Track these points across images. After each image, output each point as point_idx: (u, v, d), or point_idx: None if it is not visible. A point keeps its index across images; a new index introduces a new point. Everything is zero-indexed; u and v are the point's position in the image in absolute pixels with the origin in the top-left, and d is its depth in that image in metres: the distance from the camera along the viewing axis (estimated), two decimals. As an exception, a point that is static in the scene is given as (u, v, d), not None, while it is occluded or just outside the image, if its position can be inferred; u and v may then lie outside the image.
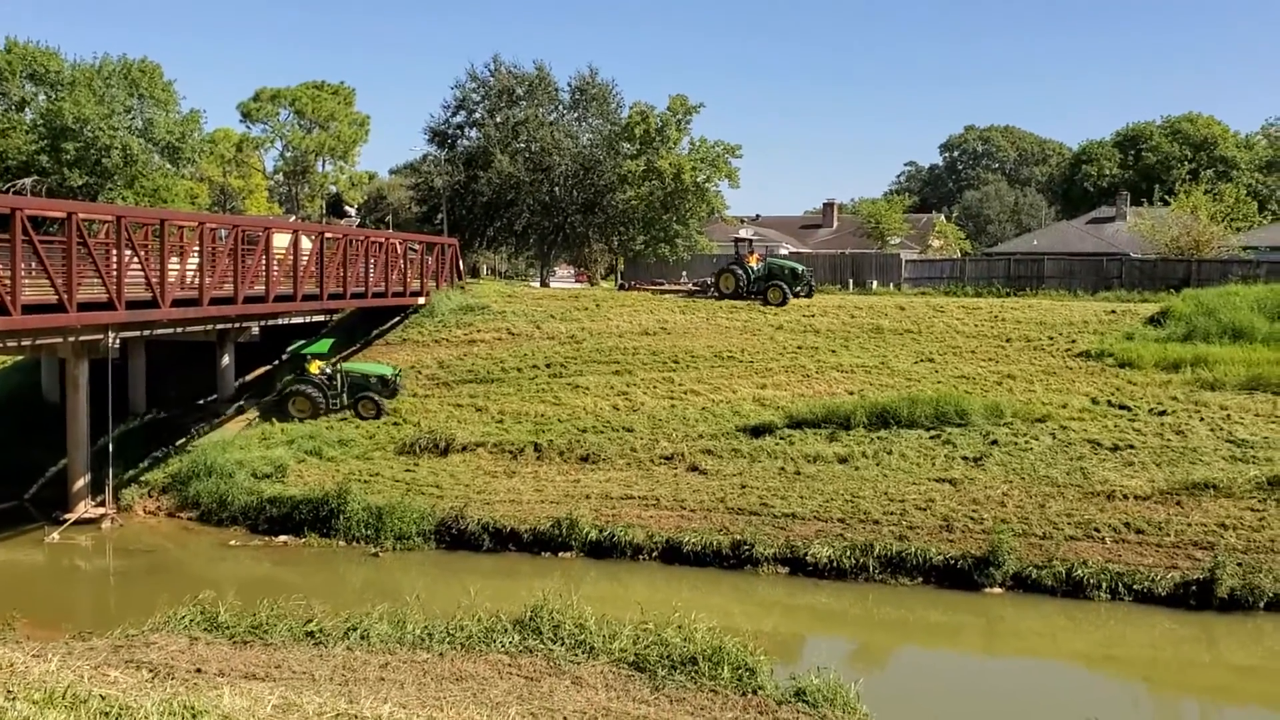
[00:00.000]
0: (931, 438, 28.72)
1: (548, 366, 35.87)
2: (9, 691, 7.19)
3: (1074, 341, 35.53)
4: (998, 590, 22.93)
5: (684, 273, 51.98)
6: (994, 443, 28.14)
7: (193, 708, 6.86)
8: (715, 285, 43.70)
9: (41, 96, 63.83)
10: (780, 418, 30.30)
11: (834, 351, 35.79)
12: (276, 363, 37.07)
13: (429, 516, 26.69)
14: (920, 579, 23.51)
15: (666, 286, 48.25)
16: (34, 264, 23.18)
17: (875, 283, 50.26)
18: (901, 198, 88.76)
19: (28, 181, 57.77)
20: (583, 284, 65.90)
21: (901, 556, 23.76)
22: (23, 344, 25.85)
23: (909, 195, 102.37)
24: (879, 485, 26.63)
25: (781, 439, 29.35)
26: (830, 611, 22.75)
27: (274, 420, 32.97)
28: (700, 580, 23.77)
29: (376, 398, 33.34)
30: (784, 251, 62.09)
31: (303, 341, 35.05)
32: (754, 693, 14.20)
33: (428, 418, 32.84)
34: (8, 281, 21.98)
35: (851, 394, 32.03)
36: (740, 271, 42.76)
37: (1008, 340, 36.25)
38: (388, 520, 26.42)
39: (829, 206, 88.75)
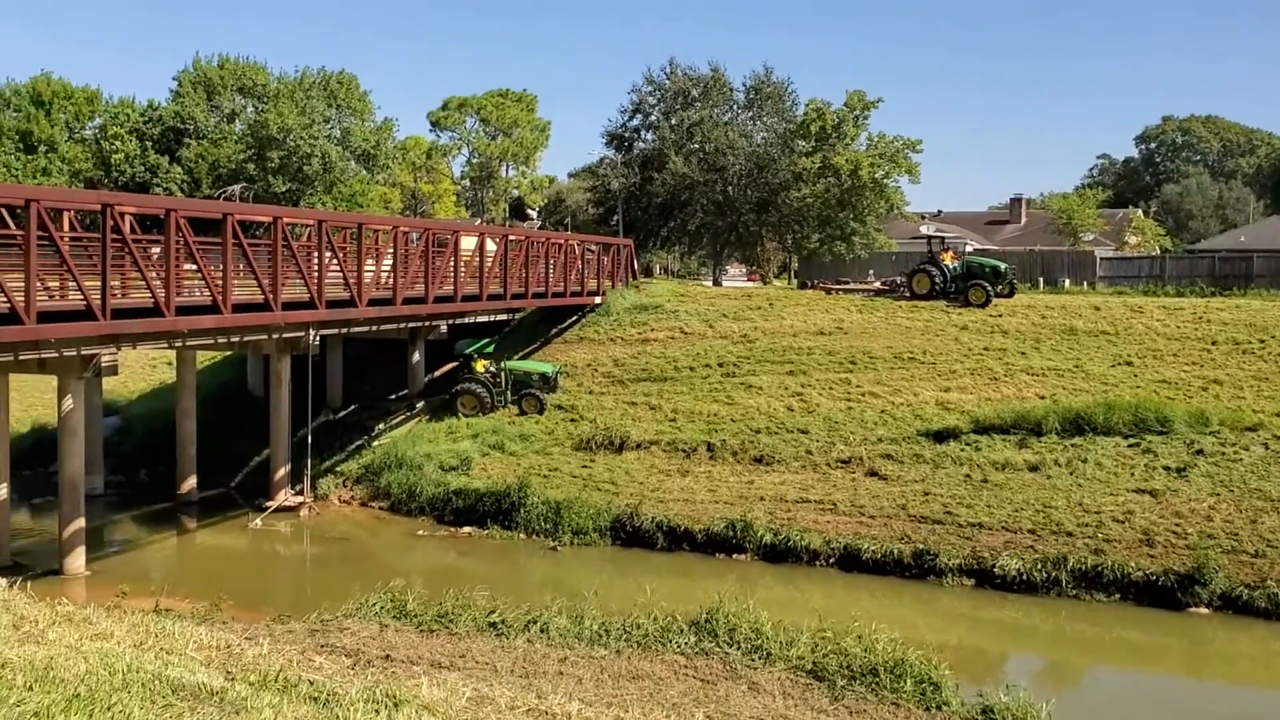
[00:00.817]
0: (1130, 446, 27.39)
1: (721, 365, 35.84)
2: (228, 672, 7.64)
3: (1287, 345, 33.37)
4: (1204, 610, 21.65)
5: (870, 271, 50.56)
6: (1199, 452, 26.65)
7: (394, 696, 7.16)
8: (908, 285, 41.89)
9: (250, 108, 67.67)
10: (965, 422, 29.45)
11: (1023, 353, 34.57)
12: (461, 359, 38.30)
13: (605, 513, 27.06)
14: (1117, 595, 22.39)
15: (852, 285, 46.74)
16: (242, 265, 24.60)
17: (1067, 281, 48.38)
18: (1094, 192, 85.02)
19: (237, 188, 61.34)
20: (754, 283, 65.64)
21: (1097, 571, 22.68)
22: (231, 340, 27.42)
23: (1101, 190, 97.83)
24: (1073, 495, 25.55)
25: (967, 444, 28.52)
26: (1019, 627, 21.94)
27: (459, 415, 33.97)
28: (880, 589, 23.33)
29: (539, 394, 34.14)
30: (969, 249, 60.50)
31: (466, 340, 36.09)
32: (938, 708, 13.83)
33: (603, 415, 33.30)
34: (219, 282, 23.39)
35: (1042, 398, 30.88)
36: (935, 271, 40.90)
37: (1213, 343, 34.29)
38: (566, 515, 26.92)
39: (1016, 202, 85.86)
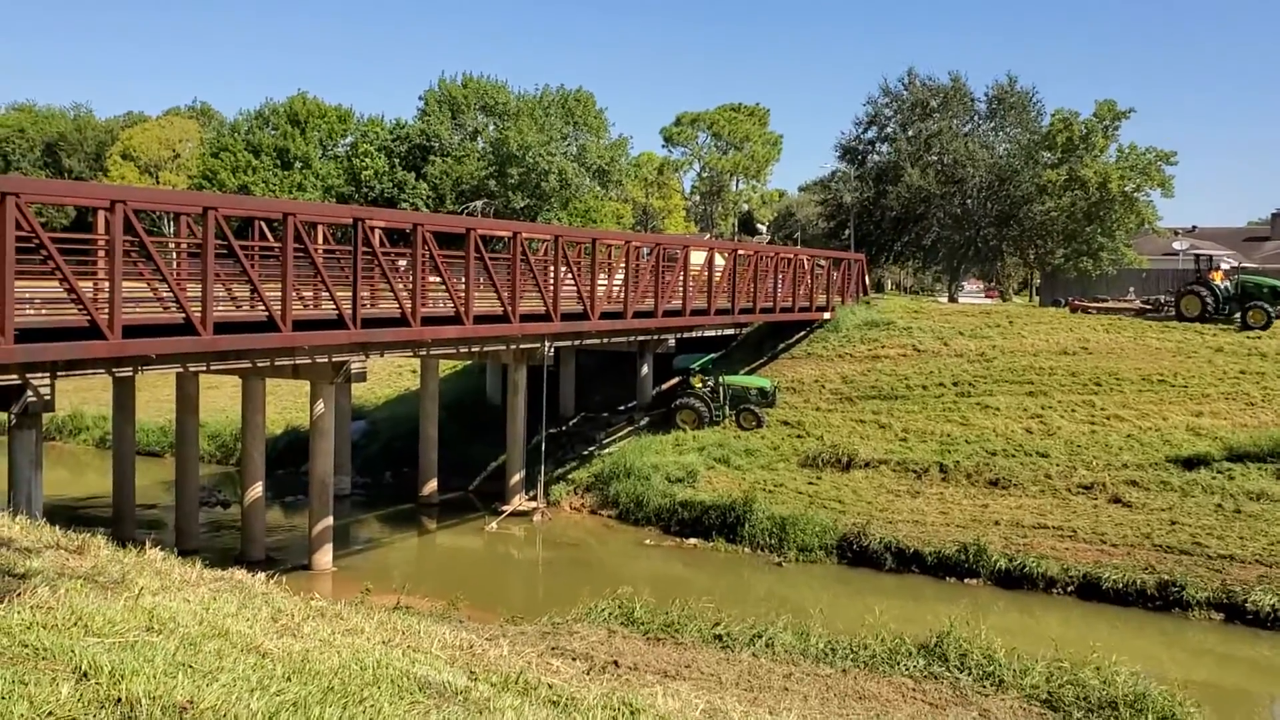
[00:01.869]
0: (1405, 480, 25.13)
1: (955, 385, 34.88)
2: (471, 673, 7.92)
3: None
4: None
5: (1130, 289, 47.78)
6: None
7: (631, 705, 7.26)
8: (1175, 307, 39.07)
9: (491, 126, 70.45)
10: (1218, 449, 27.73)
11: (1283, 378, 32.18)
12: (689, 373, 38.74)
13: (831, 531, 26.79)
14: (1384, 639, 20.62)
15: (1110, 304, 44.04)
16: (483, 278, 25.67)
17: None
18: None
19: (479, 204, 64.02)
20: (993, 299, 63.50)
21: (1363, 611, 20.95)
22: (472, 350, 28.65)
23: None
24: (1337, 530, 23.65)
25: (1219, 472, 26.84)
26: (1271, 665, 20.47)
27: (682, 428, 34.35)
28: (1120, 620, 22.18)
29: (756, 409, 34.28)
30: (1225, 266, 56.73)
31: (686, 356, 36.40)
32: (1182, 746, 13.07)
33: (830, 432, 32.97)
34: (462, 294, 24.49)
35: (1305, 426, 28.68)
36: (1206, 292, 38.07)
37: None
38: (791, 531, 26.81)
39: (1277, 217, 79.87)
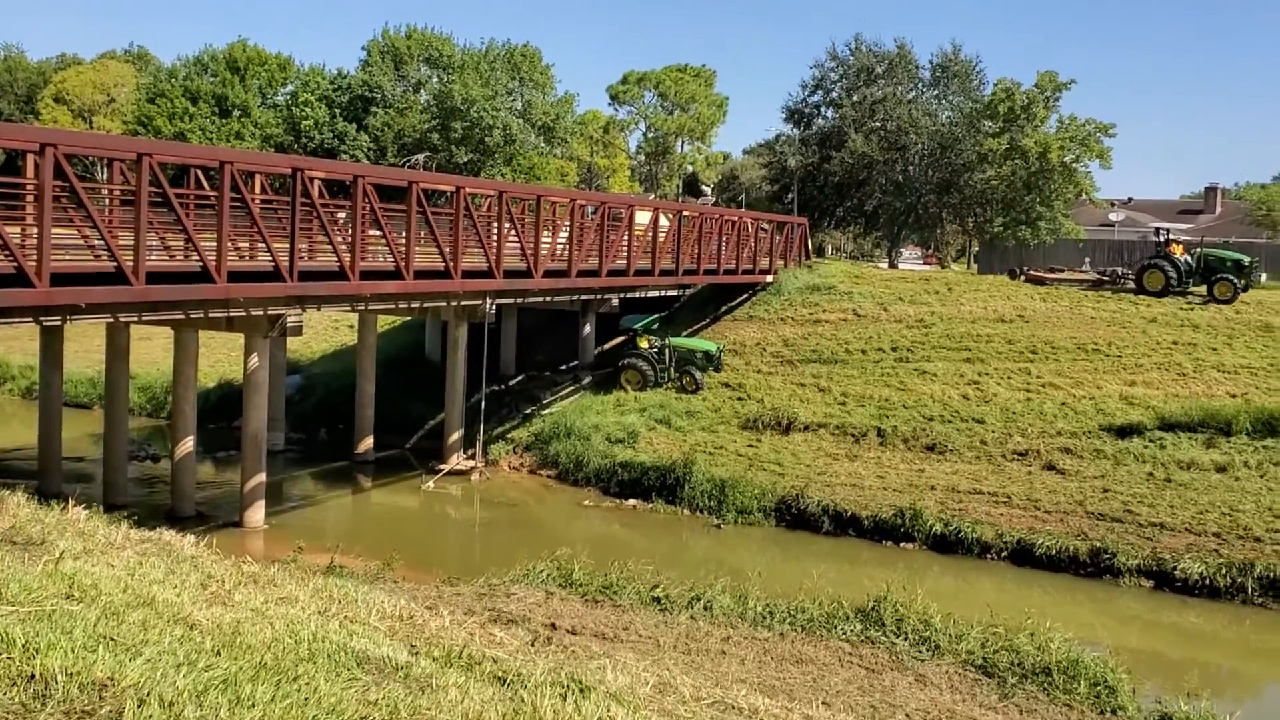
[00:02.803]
0: (1330, 451, 25.74)
1: (894, 350, 35.09)
2: (412, 646, 7.66)
3: None
4: (1404, 628, 20.29)
5: (1087, 259, 47.24)
6: (1406, 461, 24.86)
7: (580, 681, 7.06)
8: (1137, 281, 38.59)
9: (435, 79, 69.31)
10: (1150, 418, 28.16)
11: (1214, 349, 32.75)
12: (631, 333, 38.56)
13: (770, 493, 26.87)
14: (1309, 606, 21.13)
15: (1067, 275, 43.17)
16: (424, 233, 25.22)
17: (1265, 276, 45.41)
18: (1296, 182, 79.89)
19: (420, 157, 63.06)
20: (931, 266, 64.03)
21: (1287, 579, 21.43)
22: (412, 305, 28.21)
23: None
24: (1262, 499, 24.18)
25: (1151, 442, 27.28)
26: (1200, 633, 20.90)
27: (629, 389, 34.22)
28: (1053, 586, 22.51)
29: (695, 372, 34.03)
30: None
31: (633, 316, 36.17)
32: (1113, 713, 13.25)
33: (771, 395, 33.03)
34: (403, 248, 24.04)
35: (1234, 397, 29.27)
36: (1169, 266, 37.79)
37: None
38: (730, 494, 26.85)
39: (1211, 191, 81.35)
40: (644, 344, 34.98)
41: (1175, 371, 31.55)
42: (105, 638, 5.49)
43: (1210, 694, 14.37)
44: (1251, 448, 26.40)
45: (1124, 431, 27.95)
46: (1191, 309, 36.12)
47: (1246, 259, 38.49)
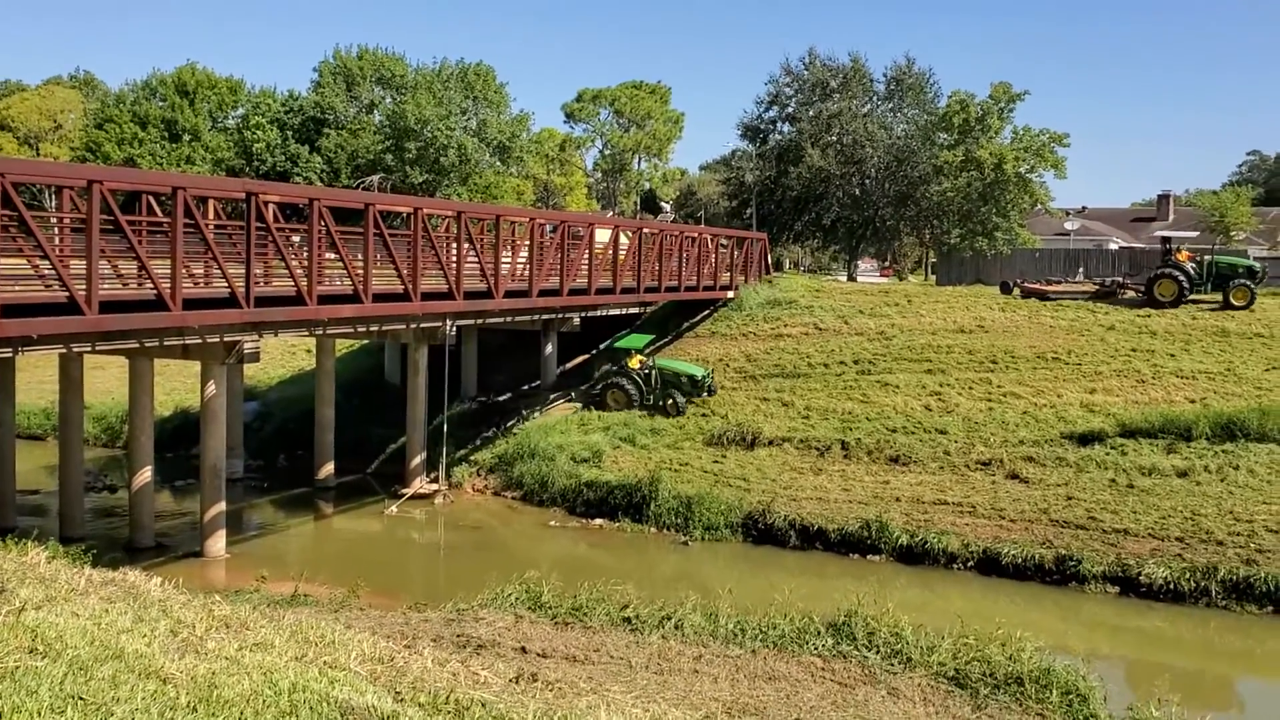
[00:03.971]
0: (1286, 453, 26.07)
1: (856, 363, 35.20)
2: (396, 692, 7.38)
3: None
4: (1364, 627, 20.53)
5: (1081, 269, 46.83)
6: (1361, 462, 25.23)
7: (574, 725, 6.91)
8: (1148, 291, 37.66)
9: (388, 99, 69.00)
10: (1111, 425, 28.40)
11: (1172, 355, 33.13)
12: (594, 352, 38.43)
13: (736, 509, 26.81)
14: (1270, 608, 21.32)
15: (1064, 287, 41.97)
16: (382, 255, 24.98)
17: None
18: (1245, 189, 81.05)
19: (375, 178, 62.71)
20: (888, 278, 64.45)
21: (1249, 582, 21.63)
22: (371, 329, 27.95)
23: (1253, 187, 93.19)
24: (1223, 503, 24.43)
25: (1112, 448, 27.50)
26: (1164, 637, 21.03)
27: (591, 408, 34.07)
28: (1020, 594, 22.59)
29: (679, 397, 33.43)
30: (1113, 246, 58.40)
31: (624, 334, 35.93)
32: (1086, 721, 13.27)
33: (735, 410, 33.01)
34: (360, 271, 23.80)
35: (1192, 402, 29.60)
36: (1181, 274, 37.19)
37: (1378, 348, 32.33)
38: (697, 510, 26.76)
39: (1163, 198, 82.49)
40: (634, 364, 34.45)
41: (1134, 378, 31.86)
42: (73, 697, 5.24)
43: (1180, 699, 14.44)
44: (1211, 452, 26.66)
45: (1086, 439, 28.15)
46: (1148, 316, 36.52)
47: (1258, 265, 38.39)
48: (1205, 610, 21.55)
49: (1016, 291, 41.59)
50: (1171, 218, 79.24)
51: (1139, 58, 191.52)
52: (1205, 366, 32.12)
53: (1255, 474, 25.57)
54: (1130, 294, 39.20)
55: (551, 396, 35.79)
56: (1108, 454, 27.35)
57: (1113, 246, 58.79)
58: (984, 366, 33.80)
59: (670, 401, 33.46)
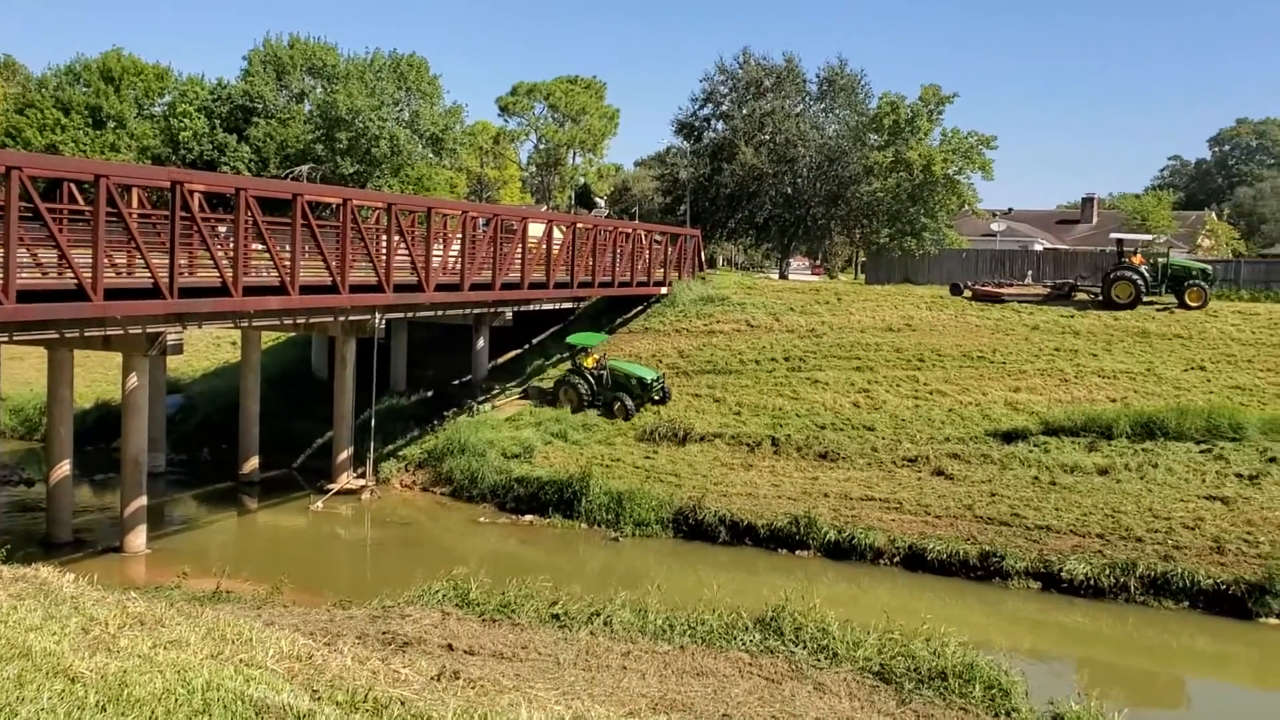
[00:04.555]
0: (1202, 452, 26.76)
1: (786, 360, 35.45)
2: (314, 691, 7.25)
3: (1366, 353, 32.26)
4: (1274, 620, 21.13)
5: (1029, 271, 47.10)
6: (1272, 460, 25.97)
7: (491, 722, 6.82)
8: (1105, 293, 38.24)
9: (319, 89, 68.02)
10: (1034, 423, 28.90)
11: (1095, 355, 33.82)
12: (526, 347, 38.27)
13: (667, 505, 26.87)
14: (1186, 603, 21.90)
15: (1016, 289, 41.91)
16: (310, 247, 24.61)
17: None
18: (1165, 193, 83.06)
19: (304, 168, 61.81)
20: (819, 276, 65.02)
21: (1166, 578, 22.20)
22: (298, 322, 27.51)
23: (1173, 191, 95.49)
24: (1142, 500, 24.99)
25: (1035, 446, 27.99)
26: (1085, 632, 21.45)
27: (542, 405, 33.80)
28: (945, 590, 22.92)
29: (628, 400, 32.87)
30: (1038, 248, 59.43)
31: (579, 333, 35.64)
32: (1007, 715, 13.48)
33: (667, 406, 33.07)
34: (287, 262, 23.42)
35: (1113, 401, 30.23)
36: (1138, 276, 37.79)
37: (1291, 349, 33.26)
38: (627, 506, 26.77)
39: (1088, 201, 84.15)
40: (590, 363, 34.09)
41: (1058, 377, 32.47)
42: (-25, 698, 5.08)
43: (1099, 692, 14.75)
44: (1131, 450, 27.23)
45: (1009, 436, 28.62)
46: (1072, 316, 37.22)
47: (1209, 267, 39.53)
48: (1124, 605, 22.07)
49: (968, 294, 41.59)
50: (1095, 220, 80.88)
51: (1067, 63, 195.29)
52: (1126, 367, 32.83)
53: (1173, 472, 26.17)
54: (1084, 296, 39.77)
55: (494, 392, 35.47)
56: (1031, 452, 27.83)
57: (1038, 248, 59.83)
58: (911, 365, 34.23)
59: (619, 404, 32.91)
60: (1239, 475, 25.62)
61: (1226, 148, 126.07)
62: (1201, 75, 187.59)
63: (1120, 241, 41.06)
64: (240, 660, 8.00)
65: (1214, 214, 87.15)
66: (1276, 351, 33.21)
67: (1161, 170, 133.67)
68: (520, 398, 35.04)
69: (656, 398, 33.21)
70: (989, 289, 41.74)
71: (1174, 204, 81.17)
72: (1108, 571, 22.50)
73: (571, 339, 35.11)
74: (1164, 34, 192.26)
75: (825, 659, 14.87)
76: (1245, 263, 50.65)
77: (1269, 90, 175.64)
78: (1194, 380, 31.60)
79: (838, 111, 57.67)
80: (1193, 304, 37.30)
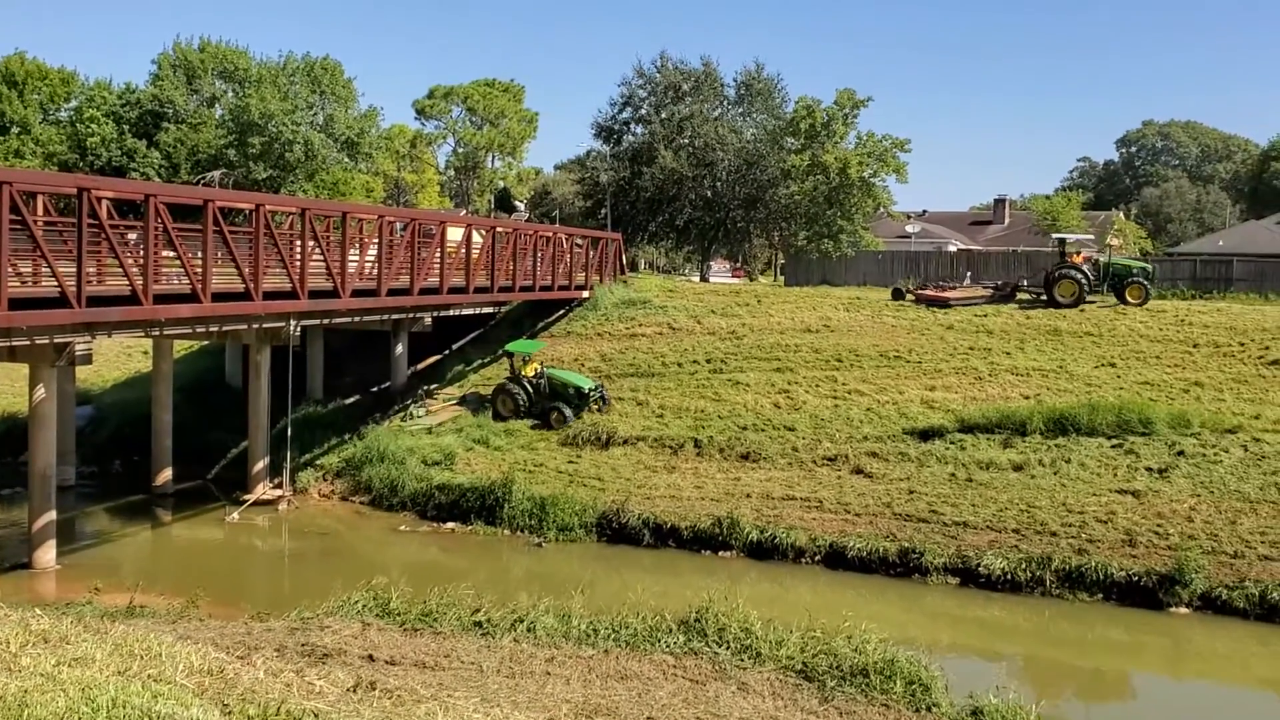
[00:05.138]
0: (1113, 447, 27.38)
1: (708, 362, 35.61)
2: (224, 705, 7.09)
3: (1267, 348, 33.30)
4: (1184, 610, 21.66)
5: (968, 273, 47.29)
6: (1180, 454, 26.64)
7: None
8: (1048, 292, 38.41)
9: (230, 93, 66.87)
10: (950, 421, 29.34)
11: (1008, 353, 34.47)
12: (446, 353, 37.94)
13: (591, 509, 26.79)
14: (1100, 595, 22.36)
15: (959, 294, 41.38)
16: (222, 253, 24.13)
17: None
18: (1075, 194, 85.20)
19: (216, 174, 60.66)
20: (739, 279, 65.51)
21: (1080, 571, 22.63)
22: (210, 330, 26.98)
23: (1082, 192, 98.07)
24: (1056, 495, 25.51)
25: (952, 443, 28.42)
26: (1003, 626, 21.86)
27: (478, 412, 33.40)
28: (865, 587, 23.18)
29: (566, 410, 32.35)
30: (953, 249, 60.54)
31: (518, 341, 35.28)
32: (928, 709, 13.67)
33: (590, 410, 32.99)
34: (199, 270, 22.92)
35: (1027, 398, 30.82)
36: (1079, 275, 38.19)
37: (1195, 346, 34.25)
38: (551, 511, 26.63)
39: (1000, 202, 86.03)
40: (530, 371, 33.52)
41: (972, 375, 33.04)
42: None
43: (1017, 685, 15.03)
44: (1045, 446, 27.75)
45: (926, 434, 29.01)
46: (985, 315, 37.94)
47: (1149, 265, 40.47)
48: (1041, 599, 22.46)
49: (910, 298, 41.40)
50: (1007, 221, 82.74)
51: (979, 64, 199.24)
52: (1039, 364, 33.51)
53: (1086, 467, 26.72)
54: (1026, 296, 40.27)
55: (421, 394, 35.05)
56: (947, 449, 28.26)
57: (952, 249, 60.97)
58: (830, 365, 34.59)
59: (556, 414, 32.36)
60: (1149, 469, 26.23)
61: (1133, 149, 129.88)
62: (1109, 77, 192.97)
63: (1062, 241, 41.65)
64: (149, 676, 7.78)
65: (1122, 214, 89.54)
66: (1182, 348, 34.15)
67: (1071, 171, 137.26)
68: (457, 404, 34.69)
69: (595, 407, 32.81)
70: (932, 293, 41.54)
71: (1083, 204, 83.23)
72: (1024, 566, 22.91)
73: (510, 347, 34.82)
74: (1073, 34, 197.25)
75: (749, 659, 14.95)
76: (1152, 262, 52.10)
77: (1174, 92, 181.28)
78: (1105, 377, 32.36)
79: (755, 116, 58.27)
80: (1133, 300, 38.10)
